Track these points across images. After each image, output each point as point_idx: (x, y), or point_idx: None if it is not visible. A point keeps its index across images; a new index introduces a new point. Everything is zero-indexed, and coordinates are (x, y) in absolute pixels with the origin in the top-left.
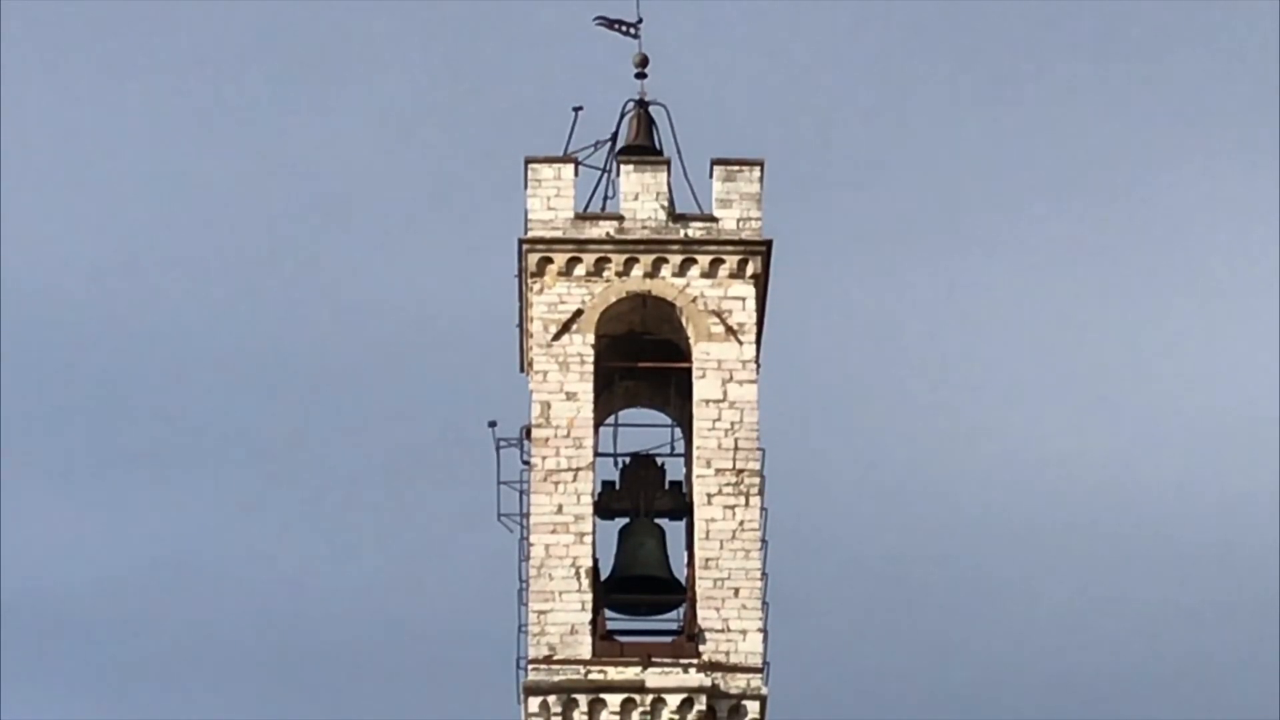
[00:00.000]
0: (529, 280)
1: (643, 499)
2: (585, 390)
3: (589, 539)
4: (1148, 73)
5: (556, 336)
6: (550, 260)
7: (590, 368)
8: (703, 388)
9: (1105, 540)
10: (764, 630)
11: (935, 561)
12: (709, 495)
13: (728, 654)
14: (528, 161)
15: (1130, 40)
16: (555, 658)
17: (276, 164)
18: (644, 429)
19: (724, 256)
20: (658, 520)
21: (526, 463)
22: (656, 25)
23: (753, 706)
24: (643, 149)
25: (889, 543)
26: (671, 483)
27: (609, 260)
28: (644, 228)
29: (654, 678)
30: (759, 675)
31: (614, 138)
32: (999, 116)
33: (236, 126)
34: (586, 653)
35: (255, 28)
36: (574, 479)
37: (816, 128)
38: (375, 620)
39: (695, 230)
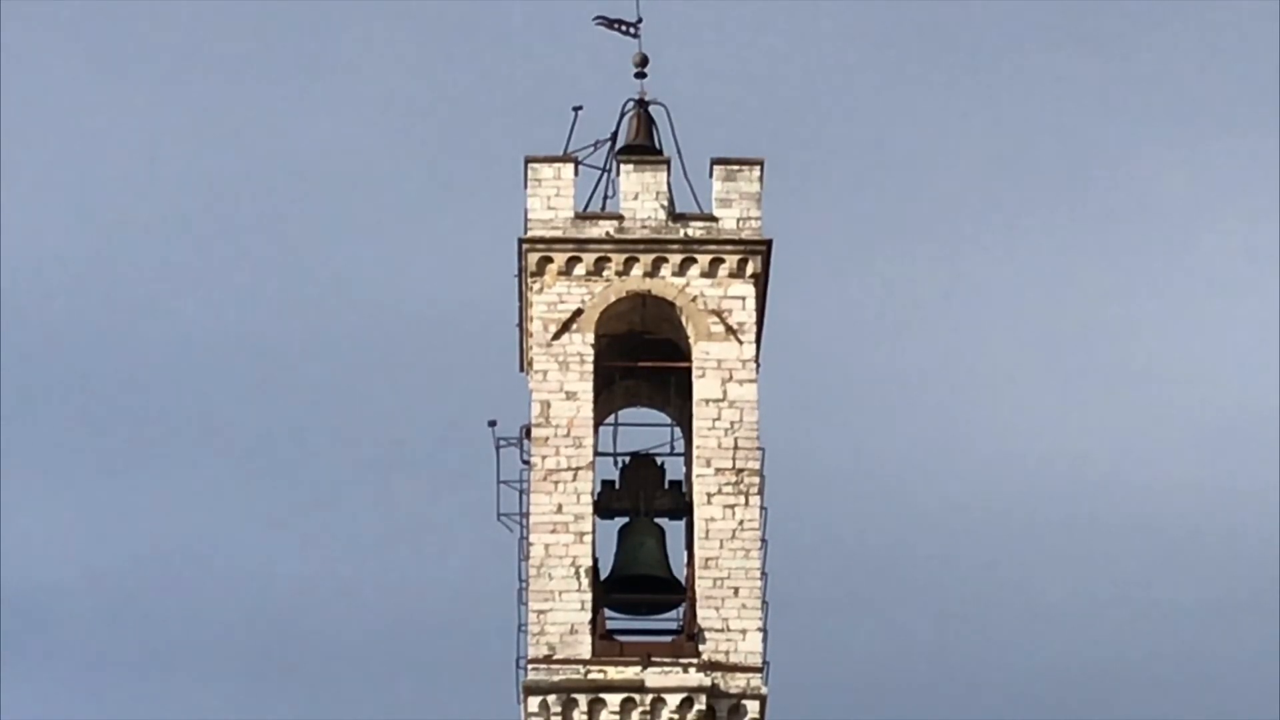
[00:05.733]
0: (529, 280)
1: (643, 498)
2: (585, 390)
3: (589, 538)
4: (1148, 72)
5: (556, 336)
6: (550, 260)
7: (590, 367)
8: (703, 387)
9: (1106, 539)
10: (764, 630)
11: (935, 561)
12: (709, 495)
13: (727, 654)
14: (528, 161)
15: (1131, 40)
16: (555, 657)
17: (276, 163)
18: (644, 429)
19: (724, 256)
20: (658, 520)
21: (526, 462)
22: (656, 25)
23: (753, 706)
24: (643, 149)
25: (889, 542)
26: (671, 482)
27: (609, 260)
28: (644, 227)
29: (654, 677)
30: (759, 675)
31: (614, 137)
32: (999, 116)
33: (236, 125)
34: (586, 652)
35: (255, 27)
36: (574, 478)
37: (816, 128)
38: (375, 620)
39: (695, 230)
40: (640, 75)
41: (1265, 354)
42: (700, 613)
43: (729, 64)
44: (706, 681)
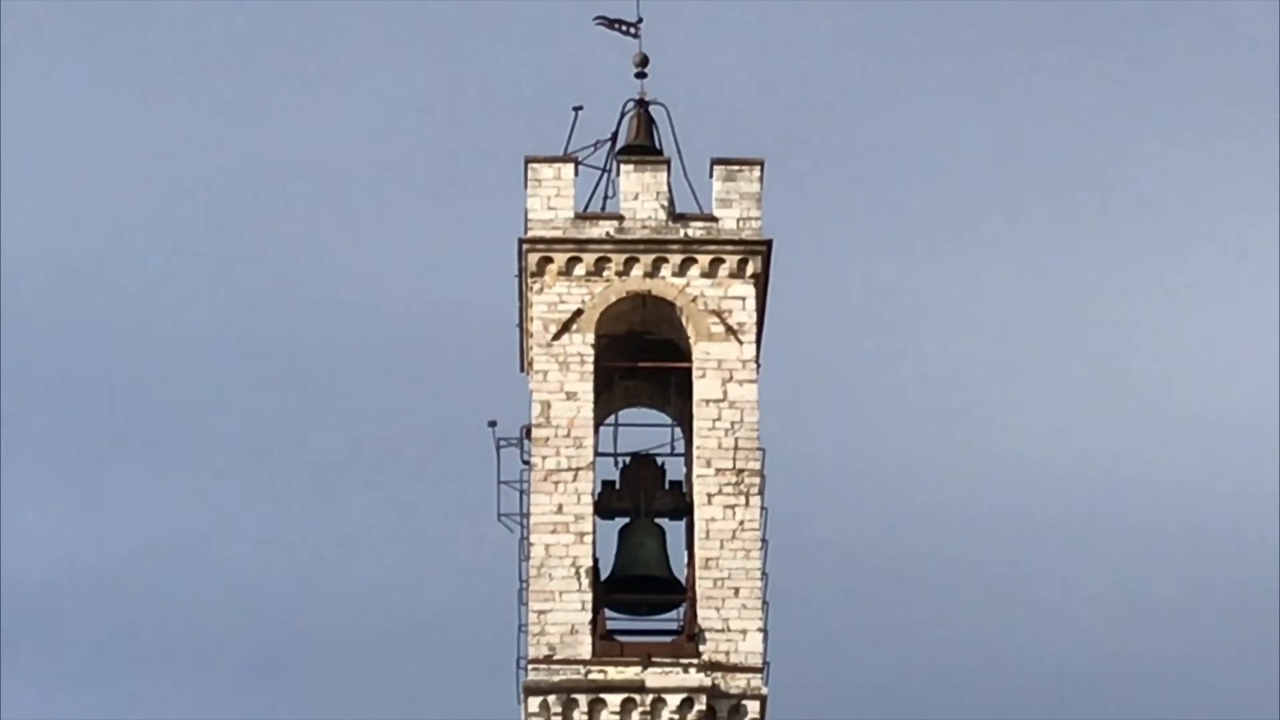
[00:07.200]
0: (529, 280)
1: (643, 499)
2: (585, 390)
3: (589, 539)
4: (1148, 72)
5: (556, 336)
6: (550, 260)
7: (590, 367)
8: (703, 387)
9: (1105, 539)
10: (764, 630)
11: (935, 561)
12: (709, 495)
13: (728, 654)
14: (528, 161)
15: (1130, 40)
16: (555, 658)
17: (276, 163)
18: (644, 429)
19: (724, 256)
20: (658, 520)
21: (526, 462)
22: (656, 25)
23: (753, 706)
24: (643, 149)
25: (889, 542)
26: (671, 482)
27: (609, 260)
28: (644, 227)
29: (654, 678)
30: (759, 675)
31: (614, 137)
32: (998, 116)
33: (236, 125)
34: (586, 653)
35: (254, 26)
36: (574, 479)
37: (816, 128)
38: (375, 619)
39: (695, 230)
40: (640, 75)
41: (1265, 354)
42: (700, 613)
43: (729, 64)
44: (707, 682)
